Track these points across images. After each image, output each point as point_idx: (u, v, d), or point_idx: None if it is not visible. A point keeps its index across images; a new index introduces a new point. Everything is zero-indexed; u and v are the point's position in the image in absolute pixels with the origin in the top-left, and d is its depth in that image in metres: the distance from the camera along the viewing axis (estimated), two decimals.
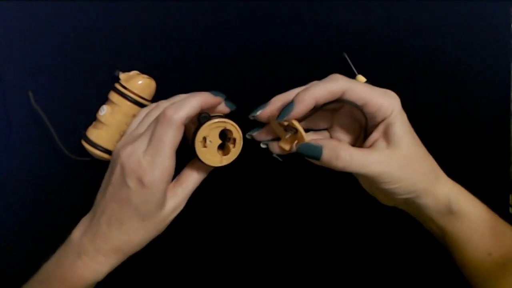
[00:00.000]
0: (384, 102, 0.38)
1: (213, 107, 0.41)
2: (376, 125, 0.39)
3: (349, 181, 0.44)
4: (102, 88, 0.47)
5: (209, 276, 0.50)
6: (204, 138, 0.40)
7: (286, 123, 0.40)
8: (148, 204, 0.38)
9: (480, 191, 0.45)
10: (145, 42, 0.49)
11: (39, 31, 0.49)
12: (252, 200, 0.50)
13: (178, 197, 0.40)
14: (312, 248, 0.50)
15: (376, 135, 0.39)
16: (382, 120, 0.38)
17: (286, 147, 0.41)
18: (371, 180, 0.38)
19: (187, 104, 0.38)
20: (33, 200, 0.49)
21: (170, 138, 0.37)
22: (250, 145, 0.43)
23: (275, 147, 0.42)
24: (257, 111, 0.40)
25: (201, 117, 0.40)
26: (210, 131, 0.40)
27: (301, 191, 0.50)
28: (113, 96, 0.45)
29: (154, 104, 0.43)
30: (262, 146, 0.43)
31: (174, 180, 0.42)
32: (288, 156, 0.42)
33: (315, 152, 0.38)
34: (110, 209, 0.39)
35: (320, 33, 0.50)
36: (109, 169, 0.41)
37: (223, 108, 0.42)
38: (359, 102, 0.38)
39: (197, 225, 0.49)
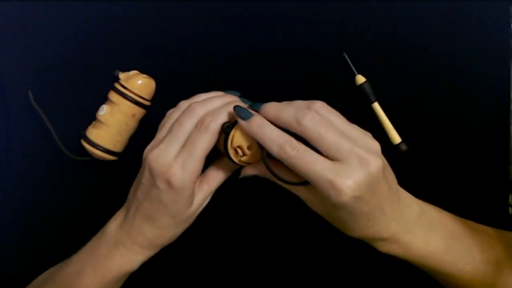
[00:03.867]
0: (332, 190, 0.35)
1: None
2: None
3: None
4: (102, 88, 0.47)
5: (210, 277, 0.50)
6: (236, 148, 0.40)
7: None
8: (178, 203, 0.39)
9: (480, 191, 0.45)
10: (145, 42, 0.49)
11: (39, 31, 0.49)
12: (253, 201, 0.50)
13: (204, 193, 0.42)
14: (312, 250, 0.50)
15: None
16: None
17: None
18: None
19: (224, 112, 0.39)
20: (33, 200, 0.49)
21: (206, 144, 0.38)
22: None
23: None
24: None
25: (225, 128, 0.39)
26: (237, 139, 0.39)
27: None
28: (112, 95, 0.45)
29: (183, 105, 0.42)
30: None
31: (200, 177, 0.42)
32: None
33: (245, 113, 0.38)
34: (143, 208, 0.40)
35: (320, 33, 0.50)
36: (140, 170, 0.42)
37: None
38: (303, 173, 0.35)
39: (198, 226, 0.49)
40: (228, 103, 0.40)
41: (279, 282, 0.50)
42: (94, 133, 0.45)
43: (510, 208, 0.50)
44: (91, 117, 0.47)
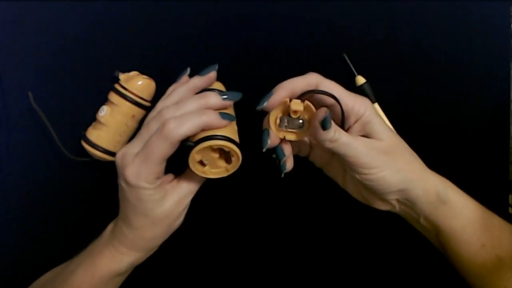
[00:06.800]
0: (356, 102, 0.38)
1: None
2: (351, 127, 0.39)
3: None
4: (102, 88, 0.47)
5: (210, 277, 0.50)
6: (200, 161, 0.39)
7: (296, 115, 0.38)
8: (143, 201, 0.39)
9: (480, 191, 0.45)
10: (145, 42, 0.49)
11: (39, 31, 0.49)
12: (254, 202, 0.50)
13: (181, 192, 0.41)
14: (312, 251, 0.50)
15: (354, 133, 0.39)
16: (357, 121, 0.39)
17: (292, 136, 0.39)
18: (356, 167, 0.38)
19: (190, 123, 0.36)
20: (33, 200, 0.49)
21: (163, 152, 0.37)
22: (250, 146, 0.43)
23: (289, 163, 0.41)
24: (263, 102, 0.38)
25: (185, 146, 0.37)
26: (200, 155, 0.38)
27: (301, 195, 0.50)
28: (112, 96, 0.45)
29: (158, 107, 0.41)
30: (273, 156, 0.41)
31: (180, 176, 0.42)
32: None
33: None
34: (121, 208, 0.41)
35: (320, 33, 0.50)
36: None
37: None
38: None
39: (197, 226, 0.49)
40: (200, 112, 0.37)
41: (279, 282, 0.50)
42: (94, 134, 0.45)
43: (510, 208, 0.50)
44: (91, 118, 0.47)
